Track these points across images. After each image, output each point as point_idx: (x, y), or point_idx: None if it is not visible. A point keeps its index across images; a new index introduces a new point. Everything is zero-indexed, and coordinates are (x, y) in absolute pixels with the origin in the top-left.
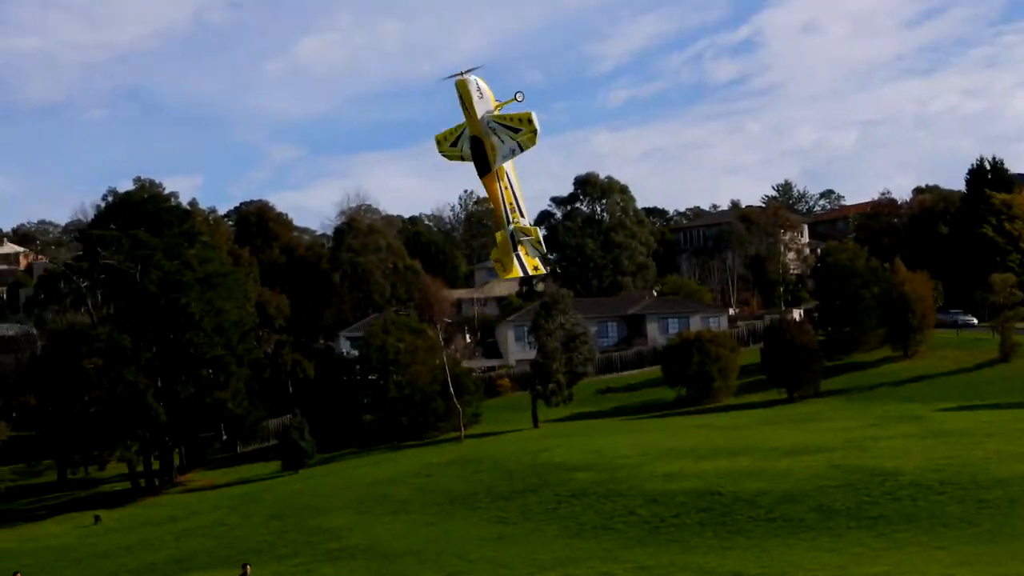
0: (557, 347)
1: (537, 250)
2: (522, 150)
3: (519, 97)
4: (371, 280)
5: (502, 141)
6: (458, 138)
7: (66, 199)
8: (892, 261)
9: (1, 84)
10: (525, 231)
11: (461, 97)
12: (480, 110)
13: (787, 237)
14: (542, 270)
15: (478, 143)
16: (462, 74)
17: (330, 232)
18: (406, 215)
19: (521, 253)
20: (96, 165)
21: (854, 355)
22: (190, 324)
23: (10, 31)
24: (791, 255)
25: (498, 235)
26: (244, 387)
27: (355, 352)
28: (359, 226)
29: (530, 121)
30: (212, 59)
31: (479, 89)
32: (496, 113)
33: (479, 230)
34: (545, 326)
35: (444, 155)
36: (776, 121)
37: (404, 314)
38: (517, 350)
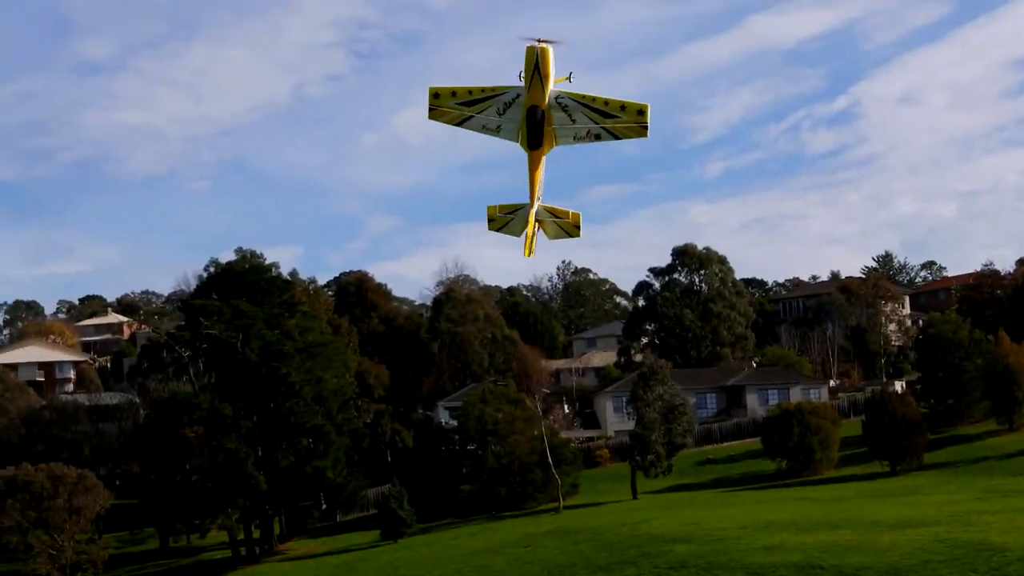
0: (656, 418)
1: (570, 233)
2: (596, 139)
3: (571, 78)
4: (469, 350)
5: (573, 121)
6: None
7: (169, 269)
8: (996, 333)
9: (108, 157)
10: (556, 211)
11: (537, 64)
12: (551, 85)
13: (888, 308)
14: (533, 255)
15: (536, 115)
16: (540, 41)
17: (428, 302)
18: (504, 285)
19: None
20: (199, 236)
21: (958, 428)
22: (290, 393)
23: (117, 105)
24: (892, 326)
25: (530, 211)
26: (343, 456)
27: (453, 422)
28: (457, 296)
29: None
30: (311, 131)
31: (551, 62)
32: (568, 92)
33: (577, 300)
34: (644, 396)
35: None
36: (875, 191)
37: (502, 384)
38: (615, 421)
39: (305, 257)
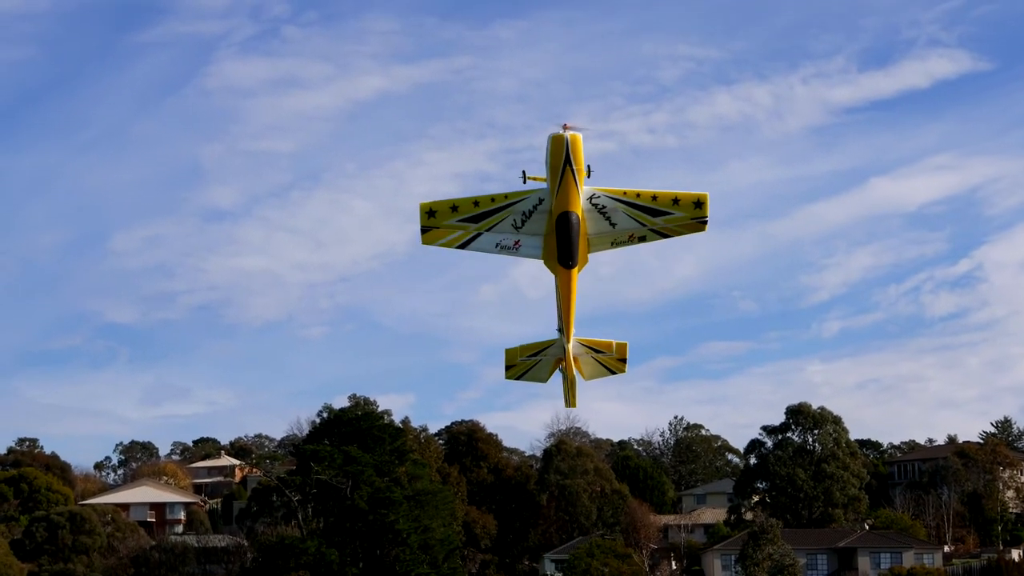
0: None
1: (613, 369)
2: (639, 242)
3: (590, 173)
4: (578, 503)
5: (612, 225)
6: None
7: (283, 414)
8: None
9: (228, 302)
10: (596, 344)
11: (568, 157)
12: (583, 182)
13: (1006, 474)
14: (575, 405)
15: (570, 223)
16: (568, 127)
17: (539, 453)
18: (615, 439)
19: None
20: (313, 382)
21: None
22: (397, 541)
23: (239, 251)
24: (1010, 493)
25: (566, 349)
26: None
27: (559, 574)
28: (568, 448)
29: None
30: (430, 280)
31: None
32: (604, 189)
33: (688, 456)
34: (753, 556)
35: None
36: (995, 356)
37: (610, 538)
38: None
39: (417, 405)
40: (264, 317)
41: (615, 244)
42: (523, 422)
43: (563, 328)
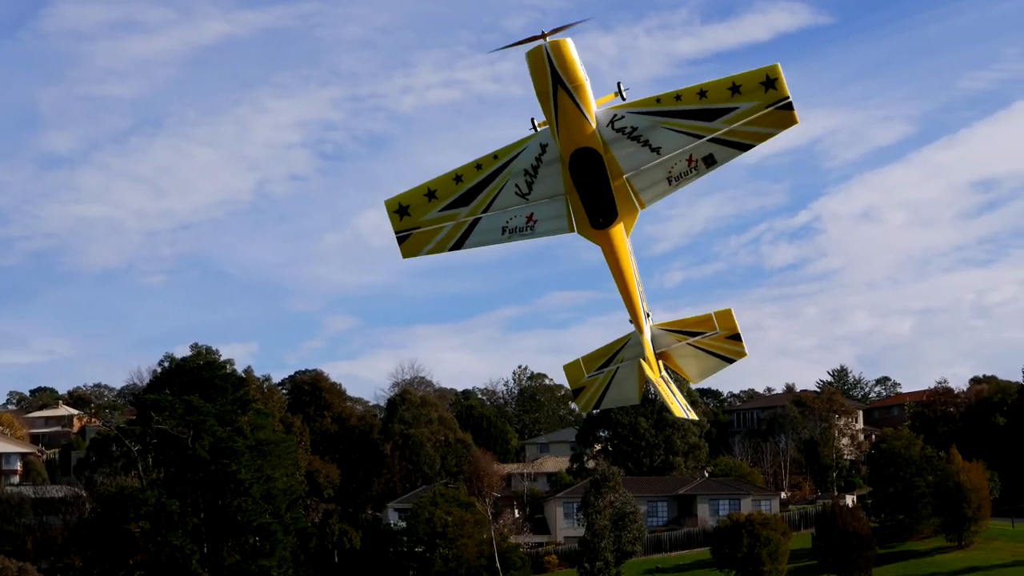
0: (606, 525)
1: (727, 355)
2: (710, 167)
3: (624, 92)
4: (422, 452)
5: (655, 150)
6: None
7: (123, 363)
8: (948, 450)
9: (66, 249)
10: (689, 325)
11: (555, 70)
12: (592, 105)
13: (841, 422)
14: (693, 415)
15: (585, 160)
16: (546, 35)
17: (383, 403)
18: (459, 388)
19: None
20: (154, 330)
21: (907, 543)
22: (239, 491)
23: (78, 198)
24: (845, 440)
25: (644, 344)
26: (290, 555)
27: (403, 524)
28: (412, 398)
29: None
30: (272, 229)
31: (580, 62)
32: (629, 105)
33: (532, 405)
34: (595, 503)
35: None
36: (832, 306)
37: (453, 487)
38: (566, 527)
39: (260, 354)
40: (103, 264)
41: (673, 179)
42: (367, 372)
43: (632, 317)
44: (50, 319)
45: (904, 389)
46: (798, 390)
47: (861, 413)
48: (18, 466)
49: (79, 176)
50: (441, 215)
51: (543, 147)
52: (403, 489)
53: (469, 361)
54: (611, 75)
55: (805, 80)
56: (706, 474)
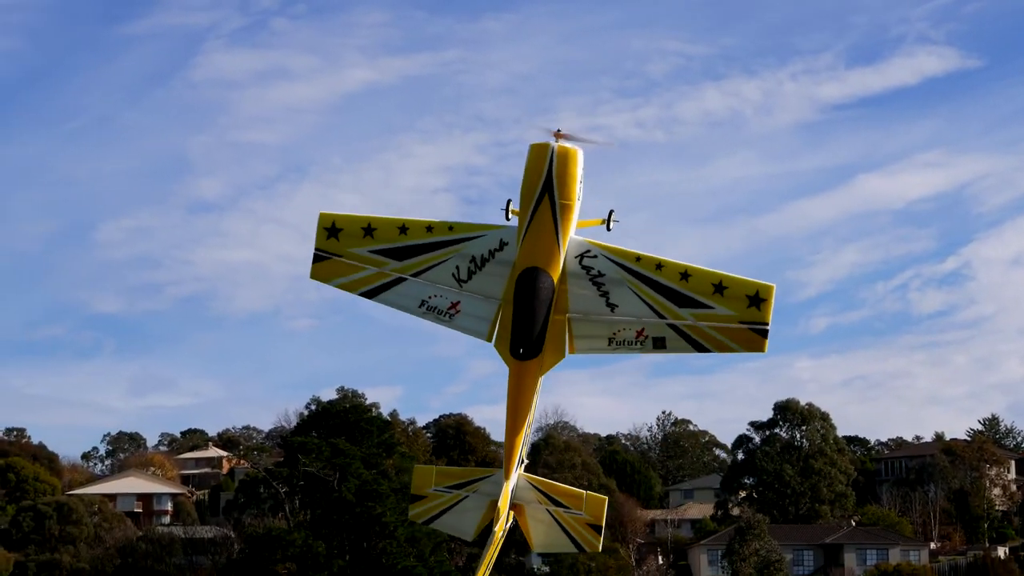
0: (751, 573)
1: (578, 540)
2: (659, 349)
3: (613, 223)
4: None
5: (611, 307)
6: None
7: (271, 406)
8: None
9: (214, 293)
10: (557, 491)
11: (551, 176)
12: (571, 229)
13: (993, 472)
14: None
15: (537, 285)
16: (560, 135)
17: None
18: (603, 433)
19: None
20: (301, 374)
21: None
22: (384, 533)
23: (225, 243)
24: (996, 490)
25: (504, 490)
26: None
27: (546, 568)
28: (556, 443)
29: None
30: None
31: (581, 181)
32: (608, 246)
33: (676, 451)
34: (739, 551)
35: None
36: (983, 354)
37: None
38: (710, 574)
39: (405, 398)
40: (250, 309)
41: (615, 343)
42: None
43: (505, 458)
44: (199, 362)
45: None
46: (948, 439)
47: (1013, 463)
48: (169, 507)
49: (227, 221)
50: (369, 256)
51: (502, 244)
52: None
53: (612, 407)
54: (755, 121)
55: (954, 125)
56: (853, 523)
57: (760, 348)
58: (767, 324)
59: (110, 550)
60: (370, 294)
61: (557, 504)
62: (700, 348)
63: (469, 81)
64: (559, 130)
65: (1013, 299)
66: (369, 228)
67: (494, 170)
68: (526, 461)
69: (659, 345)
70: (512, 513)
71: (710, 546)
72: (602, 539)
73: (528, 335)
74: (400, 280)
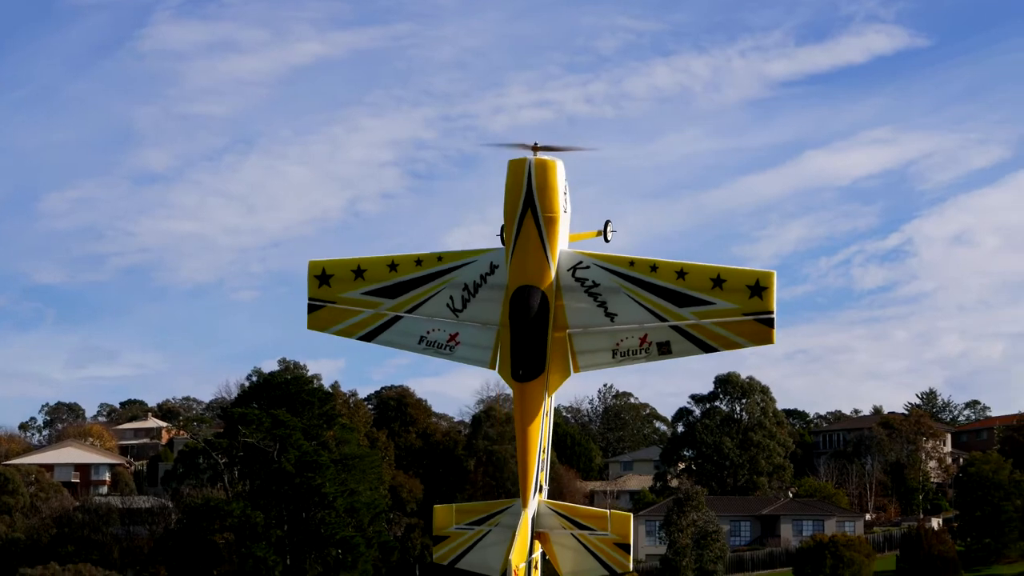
0: (688, 544)
1: (607, 562)
2: (664, 354)
3: (610, 233)
4: (505, 468)
5: (610, 317)
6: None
7: (212, 377)
8: None
9: (160, 264)
10: (580, 514)
11: (531, 190)
12: (560, 242)
13: (929, 445)
14: None
15: (530, 303)
16: (536, 148)
17: (468, 419)
18: None
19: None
20: (243, 345)
21: (994, 567)
22: (323, 504)
23: (171, 214)
24: (932, 463)
25: (524, 519)
26: (372, 568)
27: None
28: (497, 415)
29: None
30: (363, 247)
31: (565, 192)
32: (602, 256)
33: (616, 424)
34: (677, 522)
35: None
36: (922, 329)
37: None
38: (648, 545)
39: (347, 370)
40: (194, 280)
41: (620, 354)
42: (453, 389)
43: (521, 486)
44: (141, 333)
45: (994, 413)
46: (886, 412)
47: (949, 436)
48: (107, 477)
49: (173, 193)
50: (362, 299)
51: (493, 267)
52: None
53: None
54: (703, 98)
55: (900, 103)
56: (790, 495)
57: (768, 339)
58: (772, 313)
59: (46, 520)
60: (368, 337)
61: (582, 527)
62: (706, 348)
63: (419, 55)
64: (536, 143)
65: (953, 277)
66: (359, 270)
67: (442, 144)
68: (546, 487)
69: (664, 351)
70: (536, 542)
71: (648, 517)
72: (630, 559)
73: (526, 355)
74: (396, 319)
